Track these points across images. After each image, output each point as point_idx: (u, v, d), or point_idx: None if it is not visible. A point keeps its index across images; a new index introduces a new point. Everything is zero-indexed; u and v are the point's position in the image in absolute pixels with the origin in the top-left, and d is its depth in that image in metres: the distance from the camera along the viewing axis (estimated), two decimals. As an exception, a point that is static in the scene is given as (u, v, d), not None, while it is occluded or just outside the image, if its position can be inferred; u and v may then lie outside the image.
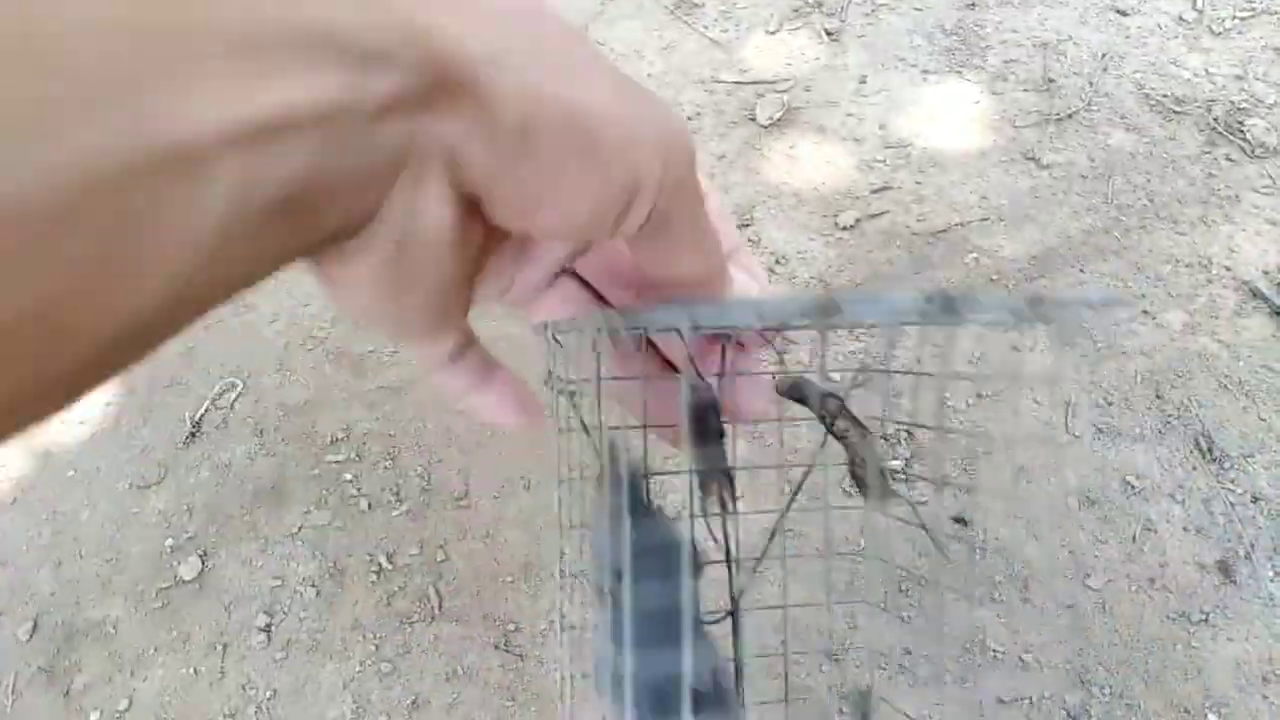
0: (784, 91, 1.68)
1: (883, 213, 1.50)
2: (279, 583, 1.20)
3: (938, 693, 1.05)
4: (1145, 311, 1.36)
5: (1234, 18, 1.75)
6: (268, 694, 1.12)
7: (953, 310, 0.31)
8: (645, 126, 0.22)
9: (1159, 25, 1.76)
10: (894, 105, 1.65)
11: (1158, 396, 1.28)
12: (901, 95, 1.67)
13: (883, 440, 1.24)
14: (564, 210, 0.22)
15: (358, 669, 1.13)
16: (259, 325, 1.42)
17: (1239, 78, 1.66)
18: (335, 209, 0.19)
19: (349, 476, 1.26)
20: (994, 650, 1.08)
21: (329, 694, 1.12)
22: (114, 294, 0.16)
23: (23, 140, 0.14)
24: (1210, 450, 1.22)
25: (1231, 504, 1.18)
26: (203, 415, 1.34)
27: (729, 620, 0.38)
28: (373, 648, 1.14)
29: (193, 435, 1.32)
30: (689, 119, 1.64)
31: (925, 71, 1.70)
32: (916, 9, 1.80)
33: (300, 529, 1.23)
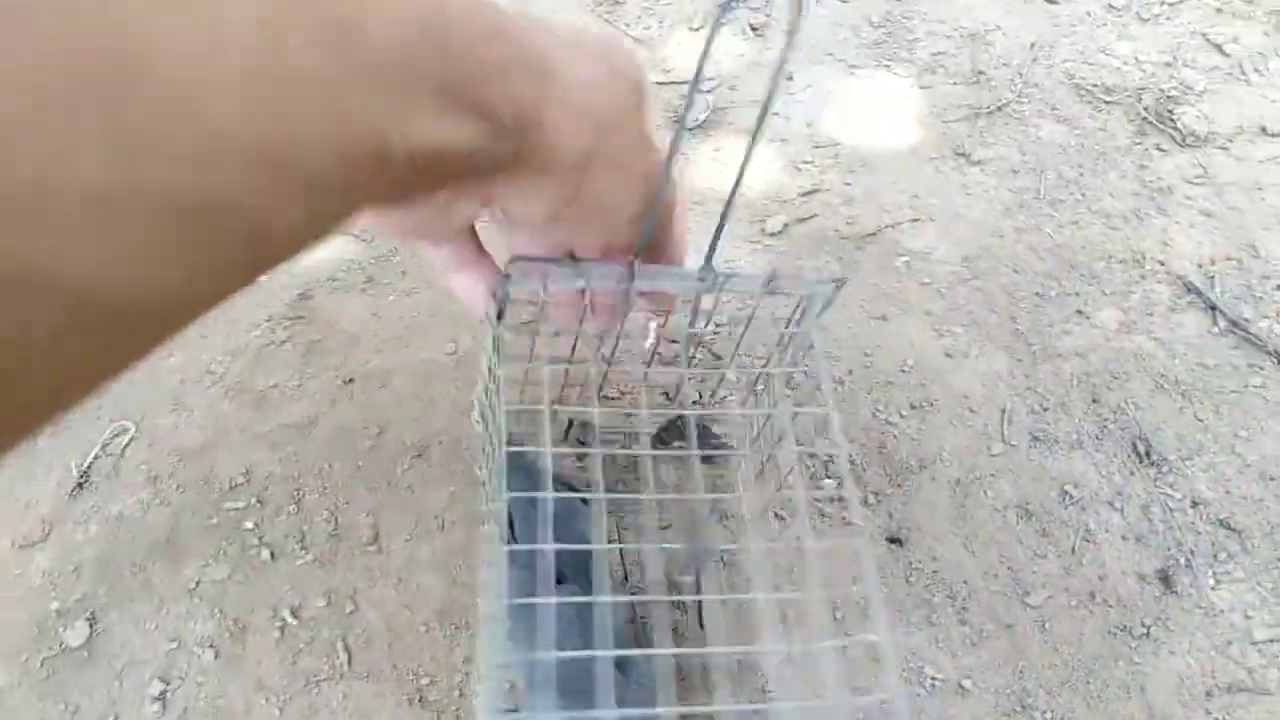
0: (709, 92, 1.62)
1: (811, 216, 1.44)
2: (175, 645, 1.11)
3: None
4: (1080, 311, 1.32)
5: (1162, 3, 1.72)
6: (165, 767, 1.04)
7: (718, 282, 0.60)
8: (647, 185, 0.42)
9: (1088, 13, 1.72)
10: (821, 103, 1.60)
11: (1094, 400, 1.24)
12: (829, 92, 1.61)
13: (813, 458, 1.19)
14: (577, 228, 0.42)
15: (263, 734, 1.05)
16: (152, 361, 1.33)
17: (1168, 65, 1.63)
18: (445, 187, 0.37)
19: (250, 524, 1.18)
20: (932, 678, 1.03)
21: (232, 763, 1.04)
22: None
23: (326, 119, 0.23)
24: (1148, 454, 1.18)
25: (1170, 509, 1.14)
26: (91, 463, 1.24)
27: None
28: (276, 711, 1.06)
29: (80, 486, 1.23)
30: (610, 124, 1.57)
31: (853, 66, 1.65)
32: (842, 0, 1.75)
33: (198, 584, 1.15)
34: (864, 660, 0.99)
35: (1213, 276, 1.35)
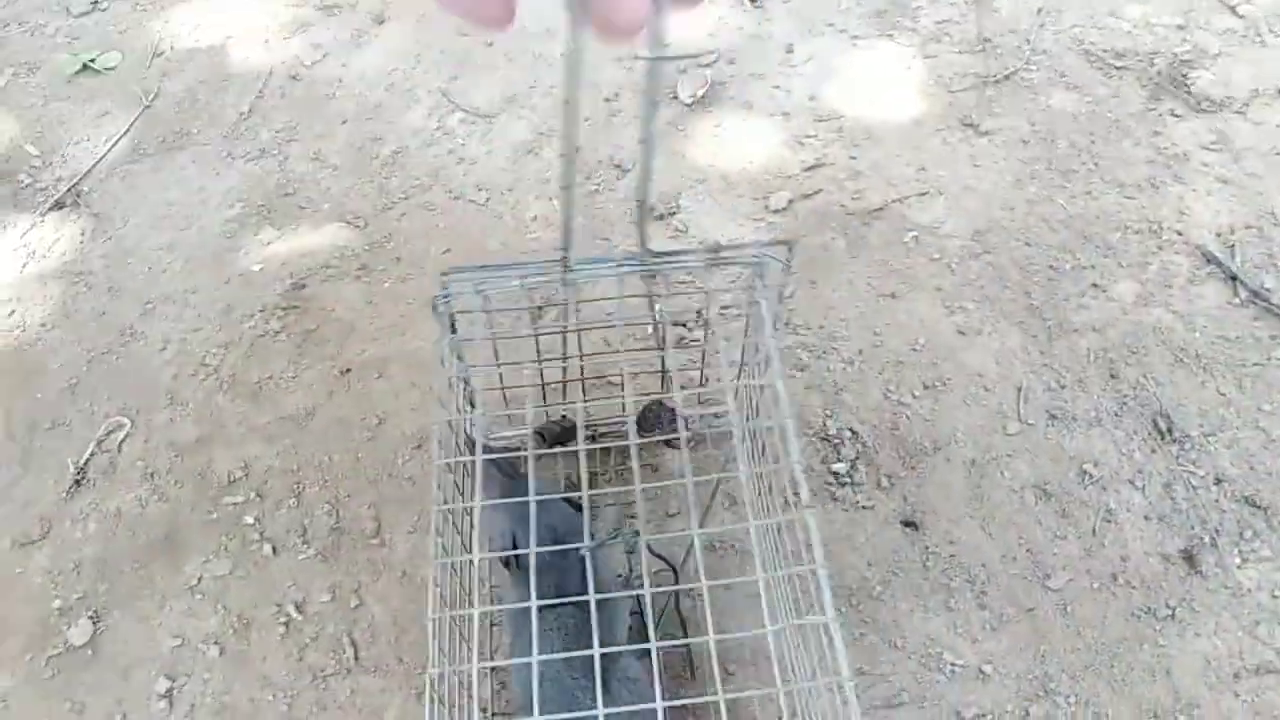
0: (707, 66, 1.57)
1: (816, 192, 1.40)
2: (179, 642, 1.09)
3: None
4: (1095, 284, 1.29)
5: (1173, -37, 1.67)
6: (172, 766, 1.02)
7: (660, 261, 0.72)
8: None
9: (1097, -25, 1.67)
10: (824, 75, 1.55)
11: (1112, 376, 1.21)
12: (831, 64, 1.57)
13: (825, 441, 1.16)
14: None
15: (269, 732, 1.03)
16: (147, 355, 1.30)
17: (1181, 27, 1.58)
18: None
19: (250, 519, 1.15)
20: (952, 664, 1.01)
21: (239, 761, 1.02)
22: None
23: None
24: (1169, 430, 1.15)
25: (1194, 487, 1.11)
26: (88, 460, 1.22)
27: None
28: (284, 707, 1.04)
29: (77, 483, 1.20)
30: (607, 100, 1.53)
31: (855, 37, 1.60)
32: (844, -30, 1.69)
33: (200, 580, 1.12)
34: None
35: (1232, 245, 1.31)
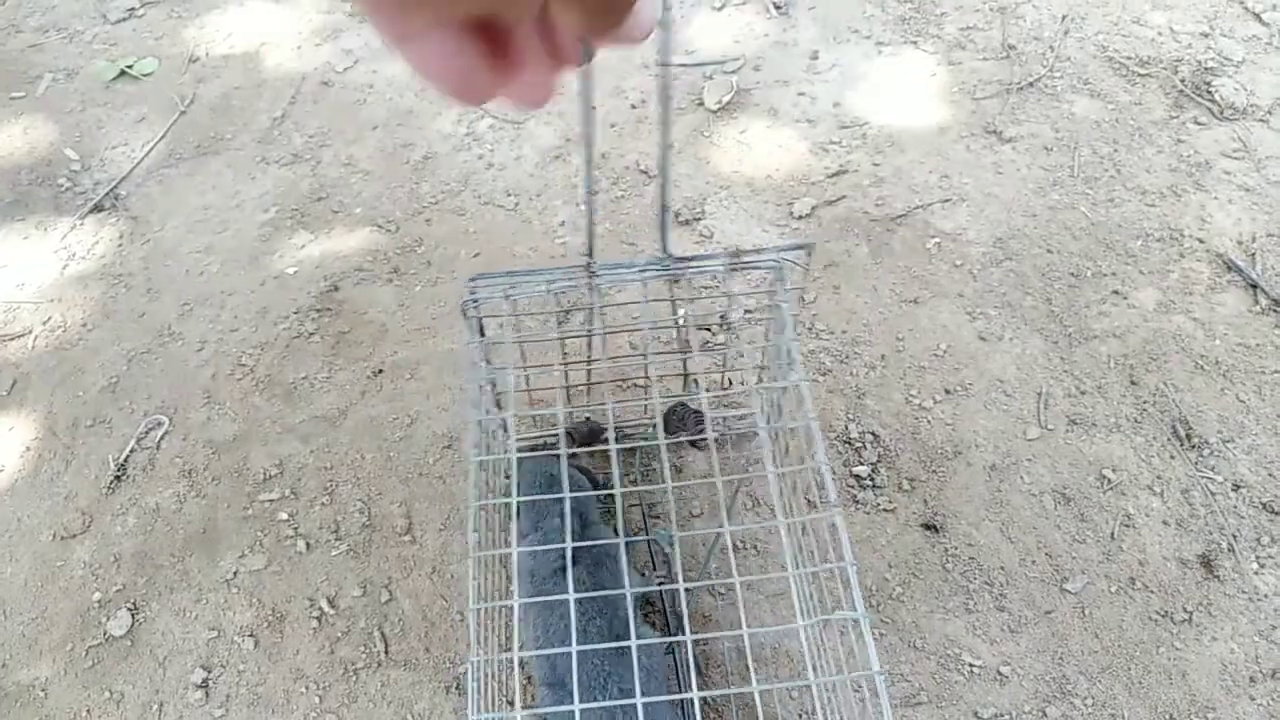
0: (733, 73, 1.60)
1: (840, 198, 1.42)
2: (215, 634, 1.12)
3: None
4: (1116, 291, 1.30)
5: (1198, -30, 1.68)
6: (208, 754, 1.06)
7: (682, 265, 0.73)
8: None
9: (1120, -18, 1.68)
10: (848, 82, 1.57)
11: (1132, 382, 1.22)
12: (855, 71, 1.59)
13: (847, 445, 1.18)
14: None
15: (303, 722, 1.06)
16: (185, 354, 1.34)
17: (1205, 34, 1.59)
18: None
19: (284, 515, 1.19)
20: (970, 665, 1.03)
21: (274, 751, 1.05)
22: None
23: None
24: (1188, 437, 1.16)
25: (1212, 493, 1.12)
26: (128, 457, 1.26)
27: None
28: (316, 699, 1.07)
29: (118, 479, 1.24)
30: (634, 106, 1.55)
31: (880, 44, 1.62)
32: (868, -23, 1.71)
33: (235, 575, 1.16)
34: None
35: (1254, 254, 1.32)
